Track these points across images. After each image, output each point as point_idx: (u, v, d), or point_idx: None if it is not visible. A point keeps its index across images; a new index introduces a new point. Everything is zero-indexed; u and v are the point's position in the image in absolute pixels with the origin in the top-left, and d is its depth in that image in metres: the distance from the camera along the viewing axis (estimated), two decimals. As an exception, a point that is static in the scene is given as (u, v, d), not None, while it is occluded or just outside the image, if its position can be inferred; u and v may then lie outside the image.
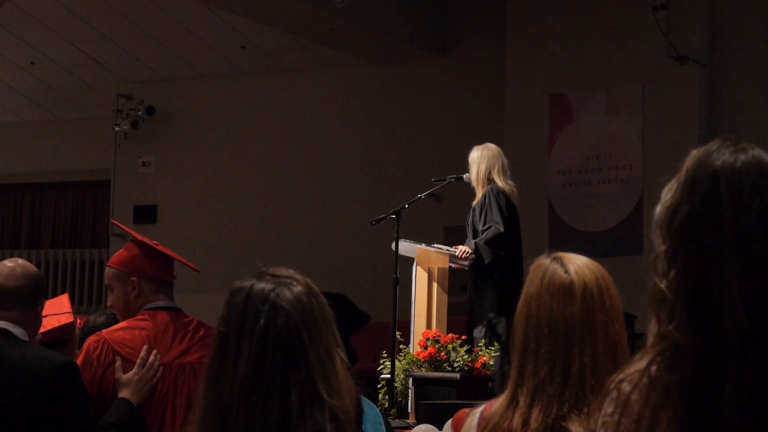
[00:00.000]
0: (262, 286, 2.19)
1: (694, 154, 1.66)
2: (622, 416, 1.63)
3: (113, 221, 4.22)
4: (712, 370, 1.55)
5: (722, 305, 1.56)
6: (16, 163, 16.92)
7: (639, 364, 1.65)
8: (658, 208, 1.69)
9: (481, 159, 8.61)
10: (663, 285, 1.62)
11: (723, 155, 1.63)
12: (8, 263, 3.78)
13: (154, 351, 3.93)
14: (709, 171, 1.62)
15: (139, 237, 4.20)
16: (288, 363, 2.12)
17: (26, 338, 3.70)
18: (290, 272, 2.23)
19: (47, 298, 4.07)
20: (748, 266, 1.56)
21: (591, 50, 12.44)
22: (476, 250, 8.41)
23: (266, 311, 2.15)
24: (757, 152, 1.65)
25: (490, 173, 8.57)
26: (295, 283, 2.20)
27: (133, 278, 4.09)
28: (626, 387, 1.64)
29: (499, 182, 8.55)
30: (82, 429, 3.56)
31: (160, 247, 4.17)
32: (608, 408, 1.67)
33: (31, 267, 3.81)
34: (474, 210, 8.64)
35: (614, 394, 1.67)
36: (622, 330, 2.43)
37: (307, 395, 2.10)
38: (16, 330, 3.68)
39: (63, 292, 5.16)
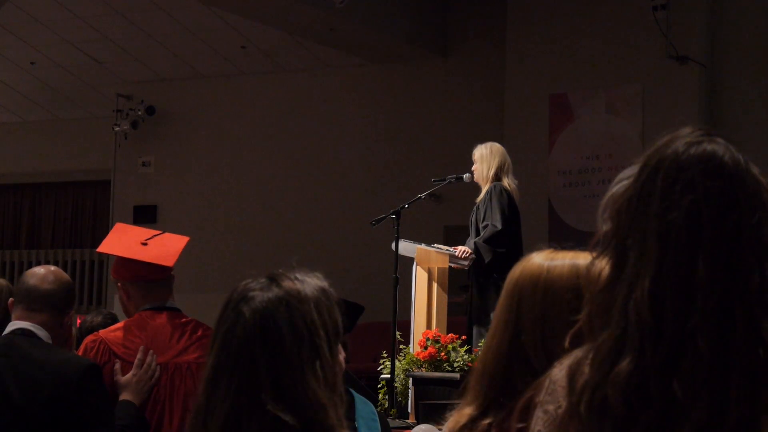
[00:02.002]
0: (243, 290, 2.10)
1: (661, 138, 1.56)
2: (549, 404, 1.63)
3: (119, 224, 4.25)
4: (609, 357, 1.50)
5: (629, 296, 1.50)
6: (16, 163, 16.92)
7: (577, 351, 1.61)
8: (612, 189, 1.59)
9: (492, 157, 8.56)
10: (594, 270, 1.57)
11: (677, 144, 1.53)
12: (41, 269, 3.79)
13: (150, 351, 3.94)
14: (656, 158, 1.53)
15: (107, 246, 4.24)
16: (235, 374, 2.03)
17: (50, 342, 3.69)
18: (294, 274, 2.12)
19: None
20: (663, 263, 1.48)
21: (591, 50, 12.43)
22: (476, 250, 8.40)
23: (231, 318, 2.08)
24: (714, 148, 1.51)
25: (498, 172, 8.54)
26: (277, 289, 2.08)
27: (119, 283, 4.13)
28: (556, 373, 1.64)
29: (506, 180, 8.53)
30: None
31: (134, 252, 4.12)
32: (545, 396, 1.67)
33: (65, 275, 3.82)
34: (478, 207, 8.60)
35: (546, 381, 1.67)
36: None
37: (247, 408, 2.01)
38: (41, 332, 3.67)
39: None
